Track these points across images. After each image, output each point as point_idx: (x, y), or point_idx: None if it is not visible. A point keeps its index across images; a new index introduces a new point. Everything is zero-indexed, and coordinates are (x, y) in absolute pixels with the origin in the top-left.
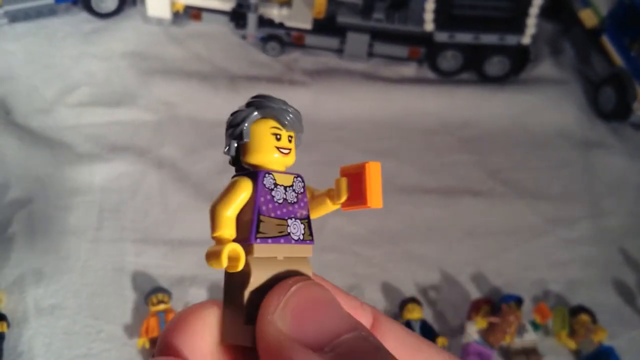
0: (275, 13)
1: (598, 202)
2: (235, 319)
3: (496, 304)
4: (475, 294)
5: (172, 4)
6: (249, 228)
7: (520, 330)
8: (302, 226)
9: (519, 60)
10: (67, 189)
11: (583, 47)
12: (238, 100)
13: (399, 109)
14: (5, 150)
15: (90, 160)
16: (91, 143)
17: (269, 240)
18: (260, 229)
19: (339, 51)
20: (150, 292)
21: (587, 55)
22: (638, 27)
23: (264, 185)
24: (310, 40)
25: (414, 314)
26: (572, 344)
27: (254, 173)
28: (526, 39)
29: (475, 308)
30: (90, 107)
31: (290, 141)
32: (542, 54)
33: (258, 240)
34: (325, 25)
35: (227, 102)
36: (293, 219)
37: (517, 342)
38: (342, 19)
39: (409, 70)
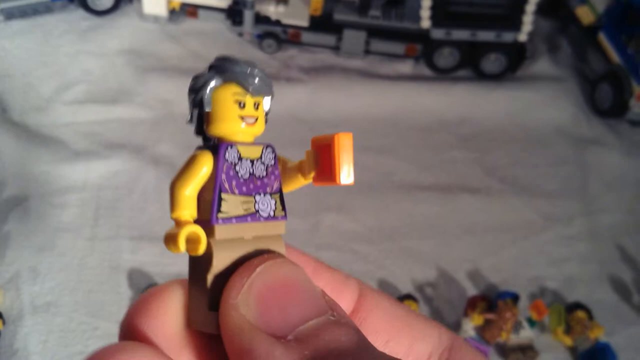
0: (271, 10)
1: (595, 199)
2: (199, 304)
3: (492, 301)
4: (471, 290)
5: (169, 2)
6: (210, 208)
7: (517, 327)
8: (272, 202)
9: (516, 58)
10: (63, 187)
11: (580, 44)
12: None
13: (396, 106)
14: (1, 147)
15: (86, 158)
16: (87, 140)
17: (233, 220)
18: (222, 209)
19: (336, 48)
20: (146, 288)
21: (584, 52)
22: (635, 24)
23: (226, 159)
24: (306, 37)
25: None
26: (568, 341)
27: (216, 146)
28: (523, 36)
29: (472, 305)
30: (87, 105)
31: (256, 108)
32: (539, 51)
33: (220, 220)
34: (322, 23)
35: None
36: (262, 195)
37: (513, 339)
38: (339, 16)
39: (406, 67)
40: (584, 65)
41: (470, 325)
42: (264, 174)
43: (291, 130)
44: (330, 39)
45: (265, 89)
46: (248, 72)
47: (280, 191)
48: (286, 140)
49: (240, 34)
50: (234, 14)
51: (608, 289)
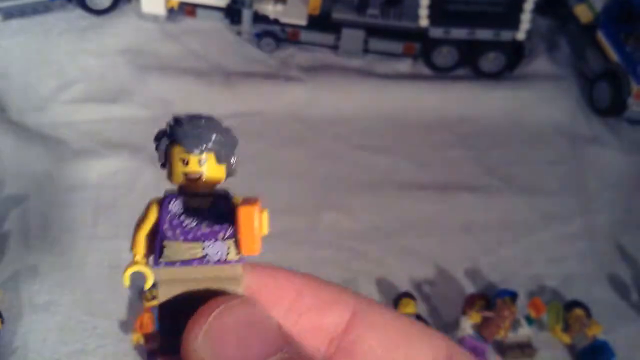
0: (270, 9)
1: (593, 197)
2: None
3: (491, 299)
4: (470, 289)
5: (167, 1)
6: (155, 252)
7: (515, 325)
8: (224, 247)
9: (514, 56)
10: (62, 186)
11: (578, 43)
12: (233, 96)
13: (394, 104)
14: (0, 147)
15: (86, 157)
16: (87, 139)
17: (177, 264)
18: (165, 253)
19: (334, 47)
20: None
21: (582, 50)
22: (633, 23)
23: (169, 210)
24: (305, 36)
25: (408, 308)
26: (566, 339)
27: (164, 198)
28: (521, 35)
29: (470, 303)
30: (86, 104)
31: (201, 164)
32: (537, 49)
33: (162, 264)
34: (321, 22)
35: (222, 98)
36: (212, 240)
37: (512, 337)
38: (337, 15)
39: (404, 66)
40: (582, 63)
41: (468, 323)
42: (214, 222)
43: (289, 129)
44: (328, 38)
45: (202, 146)
46: (192, 132)
47: (235, 236)
48: (285, 139)
49: (239, 33)
50: (232, 13)
51: (606, 287)
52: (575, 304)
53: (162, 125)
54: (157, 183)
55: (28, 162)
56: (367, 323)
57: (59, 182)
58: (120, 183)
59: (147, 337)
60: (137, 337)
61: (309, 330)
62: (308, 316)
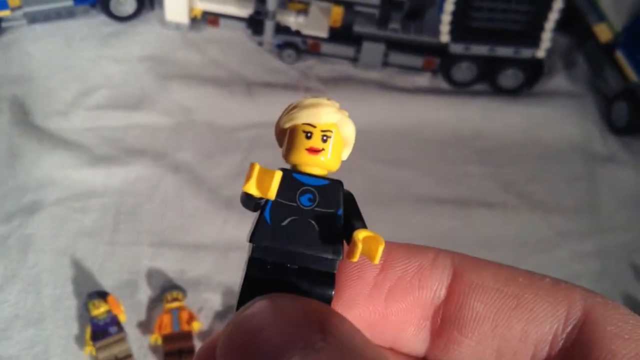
0: (292, 21)
1: (609, 216)
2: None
3: None
4: None
5: (190, 10)
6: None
7: None
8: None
9: (533, 73)
10: (84, 191)
11: (597, 62)
12: (253, 106)
13: (413, 118)
14: (23, 151)
15: (107, 163)
16: (108, 145)
17: None
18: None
19: (354, 60)
20: (166, 289)
21: (601, 69)
22: None
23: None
24: (326, 48)
25: None
26: None
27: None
28: (541, 53)
29: None
30: (108, 110)
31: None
32: (555, 67)
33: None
34: (341, 34)
35: (243, 108)
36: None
37: None
38: (358, 28)
39: (423, 80)
40: (600, 82)
41: None
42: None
43: None
44: (349, 51)
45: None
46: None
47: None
48: None
49: (260, 44)
50: (254, 24)
51: None
52: None
53: (183, 132)
54: (177, 191)
55: (50, 167)
56: (472, 287)
57: (81, 187)
58: (141, 190)
59: (166, 338)
60: (155, 337)
61: (405, 309)
62: (398, 293)
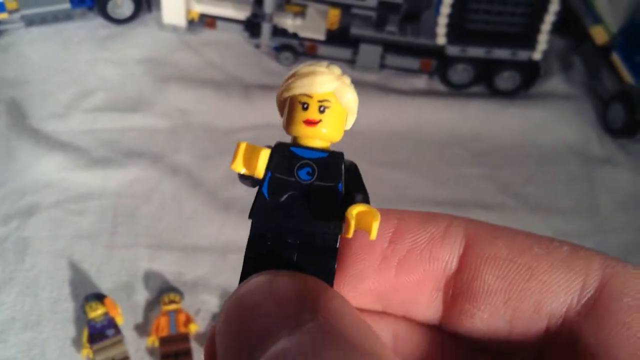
0: (289, 23)
1: (606, 218)
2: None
3: None
4: None
5: (188, 12)
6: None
7: None
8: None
9: (530, 76)
10: (82, 193)
11: (593, 64)
12: (251, 108)
13: (410, 120)
14: (20, 154)
15: (105, 165)
16: (106, 148)
17: None
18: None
19: (352, 62)
20: (163, 291)
21: (597, 71)
22: None
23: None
24: (323, 50)
25: None
26: None
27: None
28: (537, 55)
29: None
30: (106, 113)
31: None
32: (552, 69)
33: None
34: (339, 36)
35: (240, 110)
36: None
37: None
38: (355, 30)
39: (420, 82)
40: (597, 84)
41: None
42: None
43: None
44: (346, 53)
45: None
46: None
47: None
48: None
49: (258, 46)
50: (252, 26)
51: None
52: None
53: (180, 135)
54: (175, 193)
55: (47, 169)
56: (484, 258)
57: (78, 189)
58: (139, 192)
59: (163, 341)
60: (152, 339)
61: (415, 281)
62: (409, 265)
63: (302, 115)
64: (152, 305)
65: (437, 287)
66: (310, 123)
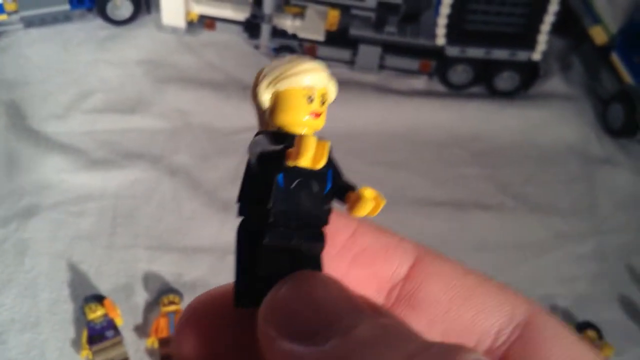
0: (288, 24)
1: (605, 218)
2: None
3: None
4: None
5: (187, 13)
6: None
7: None
8: None
9: (529, 76)
10: (81, 195)
11: (592, 64)
12: (250, 109)
13: (409, 121)
14: (20, 155)
15: (104, 167)
16: (105, 149)
17: None
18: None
19: (351, 63)
20: (162, 292)
21: (597, 72)
22: None
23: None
24: (322, 51)
25: None
26: None
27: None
28: (537, 55)
29: None
30: (105, 114)
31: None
32: (551, 69)
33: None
34: (338, 37)
35: (239, 111)
36: None
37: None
38: (355, 31)
39: (419, 82)
40: (596, 84)
41: None
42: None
43: None
44: (345, 54)
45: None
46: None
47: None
48: None
49: (257, 47)
50: (251, 27)
51: (617, 309)
52: (587, 325)
53: (179, 136)
54: (174, 194)
55: (47, 170)
56: (432, 272)
57: (78, 190)
58: (138, 193)
59: (162, 342)
60: (151, 341)
61: (364, 276)
62: (364, 260)
63: (307, 108)
64: (152, 306)
65: (381, 289)
66: (316, 115)
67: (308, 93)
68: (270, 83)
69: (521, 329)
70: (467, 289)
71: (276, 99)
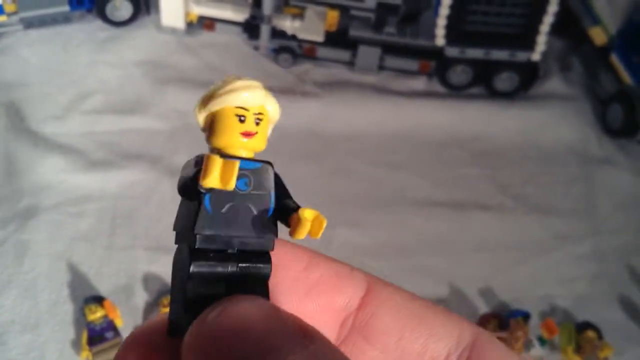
0: (287, 25)
1: (605, 218)
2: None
3: (504, 319)
4: (483, 308)
5: (186, 14)
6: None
7: (527, 345)
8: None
9: (529, 77)
10: (80, 196)
11: (592, 65)
12: None
13: (408, 121)
14: (19, 156)
15: (103, 167)
16: (104, 150)
17: None
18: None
19: (350, 64)
20: (162, 293)
21: (596, 72)
22: None
23: None
24: (322, 52)
25: None
26: None
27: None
28: (536, 56)
29: (483, 322)
30: (104, 115)
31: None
32: (551, 70)
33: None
34: (337, 38)
35: None
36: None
37: (524, 357)
38: (354, 32)
39: (419, 83)
40: (595, 85)
41: None
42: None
43: (304, 144)
44: (345, 55)
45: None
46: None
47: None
48: (299, 154)
49: (256, 48)
50: (250, 28)
51: (617, 309)
52: (587, 325)
53: (179, 136)
54: (174, 194)
55: (46, 172)
56: (383, 300)
57: (77, 191)
58: (138, 194)
59: None
60: None
61: (318, 308)
62: (317, 292)
63: (239, 127)
64: (152, 307)
65: (336, 319)
66: (248, 135)
67: (239, 112)
68: (202, 104)
69: (469, 350)
70: (416, 316)
71: (210, 120)
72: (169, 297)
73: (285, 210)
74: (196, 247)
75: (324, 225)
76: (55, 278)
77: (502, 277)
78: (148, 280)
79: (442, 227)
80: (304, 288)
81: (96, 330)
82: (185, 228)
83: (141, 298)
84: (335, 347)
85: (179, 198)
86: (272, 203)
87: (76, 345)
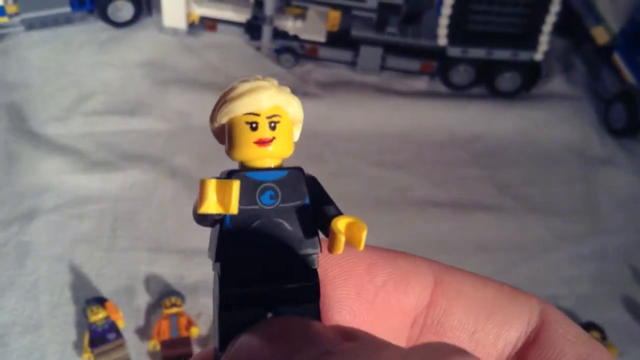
0: (289, 25)
1: (606, 218)
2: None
3: None
4: None
5: (188, 15)
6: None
7: None
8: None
9: (531, 76)
10: (81, 197)
11: (594, 64)
12: None
13: (410, 122)
14: (20, 157)
15: (104, 169)
16: (105, 151)
17: None
18: None
19: (352, 64)
20: (164, 295)
21: (598, 71)
22: None
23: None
24: (323, 52)
25: None
26: None
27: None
28: (538, 56)
29: None
30: (105, 116)
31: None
32: (553, 70)
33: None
34: (339, 38)
35: None
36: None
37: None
38: (356, 32)
39: (421, 83)
40: (598, 84)
41: None
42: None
43: (306, 144)
44: (346, 55)
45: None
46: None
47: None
48: (301, 155)
49: (258, 48)
50: (252, 29)
51: (619, 309)
52: (591, 325)
53: (180, 137)
54: (175, 196)
55: (47, 173)
56: (452, 293)
57: (78, 193)
58: (139, 195)
59: (164, 344)
60: (153, 343)
61: (387, 313)
62: (384, 297)
63: (252, 136)
64: (153, 308)
65: (406, 321)
66: (263, 143)
67: (249, 119)
68: (212, 117)
69: (537, 331)
70: (488, 305)
71: (224, 134)
72: (171, 299)
73: (323, 218)
74: (222, 274)
75: (365, 233)
76: (56, 279)
77: (503, 278)
78: (150, 281)
79: (443, 227)
80: (370, 297)
81: (98, 331)
82: (212, 256)
83: (143, 299)
84: (374, 337)
85: (179, 198)
86: (308, 213)
87: (78, 346)
